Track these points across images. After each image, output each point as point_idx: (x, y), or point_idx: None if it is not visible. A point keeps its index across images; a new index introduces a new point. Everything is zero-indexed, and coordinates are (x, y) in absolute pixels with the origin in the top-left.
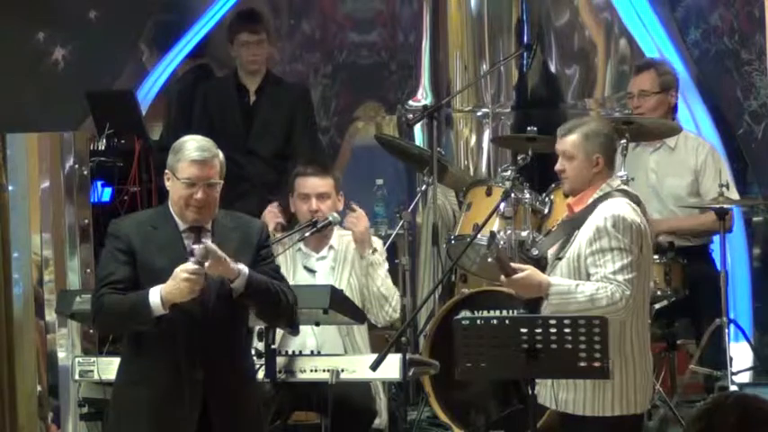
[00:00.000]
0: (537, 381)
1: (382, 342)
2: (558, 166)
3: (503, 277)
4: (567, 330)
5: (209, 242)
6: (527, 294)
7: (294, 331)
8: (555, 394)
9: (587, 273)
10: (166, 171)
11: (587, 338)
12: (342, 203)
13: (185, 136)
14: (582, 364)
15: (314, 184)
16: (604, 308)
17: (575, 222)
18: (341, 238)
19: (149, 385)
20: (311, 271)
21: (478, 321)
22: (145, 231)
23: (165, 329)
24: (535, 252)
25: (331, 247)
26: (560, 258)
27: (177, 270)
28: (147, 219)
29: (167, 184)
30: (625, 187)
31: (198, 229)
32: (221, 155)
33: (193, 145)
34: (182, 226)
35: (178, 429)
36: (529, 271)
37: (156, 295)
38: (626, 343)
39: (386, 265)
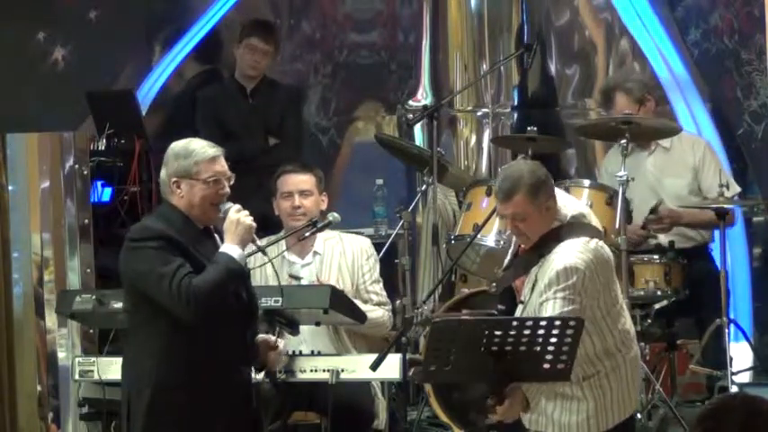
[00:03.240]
0: (534, 408)
1: (382, 342)
2: (510, 227)
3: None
4: (540, 332)
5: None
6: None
7: (294, 331)
8: (556, 419)
9: None
10: (174, 179)
11: (558, 340)
12: (325, 203)
13: (179, 141)
14: (546, 366)
15: (295, 180)
16: None
17: (530, 259)
18: (326, 243)
19: (196, 387)
20: (296, 278)
21: (454, 323)
22: (177, 233)
23: (207, 328)
24: (493, 289)
25: (316, 253)
26: (522, 302)
27: (234, 217)
28: (169, 225)
29: (178, 191)
30: (579, 212)
31: (208, 230)
32: None
33: (201, 144)
34: (199, 227)
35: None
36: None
37: (234, 250)
38: (624, 358)
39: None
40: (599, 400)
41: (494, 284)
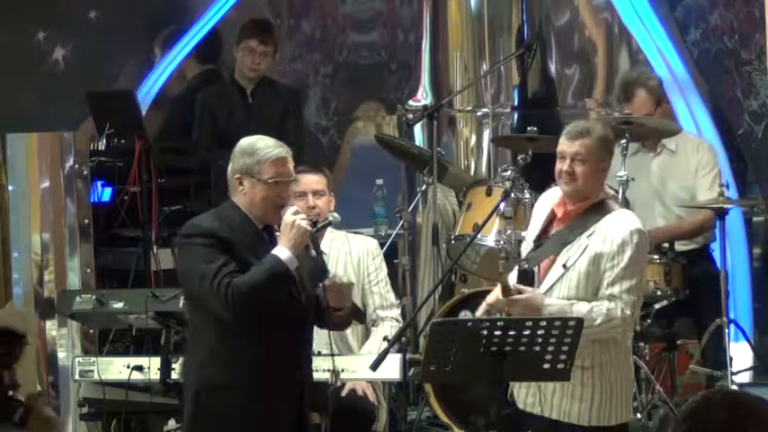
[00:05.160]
0: (535, 390)
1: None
2: (565, 167)
3: (500, 295)
4: (540, 333)
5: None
6: (526, 314)
7: None
8: (556, 404)
9: (599, 285)
10: (237, 175)
11: (558, 340)
12: (333, 203)
13: (248, 138)
14: (546, 366)
15: (309, 180)
16: (599, 326)
17: (574, 230)
18: (332, 243)
19: (242, 388)
20: None
21: (453, 324)
22: (229, 231)
23: (257, 329)
24: (525, 265)
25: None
26: (566, 267)
27: (289, 220)
28: (224, 220)
29: (239, 188)
30: (614, 193)
31: (270, 228)
32: None
33: (268, 143)
34: (259, 226)
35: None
36: (529, 294)
37: (283, 252)
38: (629, 355)
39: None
40: (605, 393)
41: (524, 263)
